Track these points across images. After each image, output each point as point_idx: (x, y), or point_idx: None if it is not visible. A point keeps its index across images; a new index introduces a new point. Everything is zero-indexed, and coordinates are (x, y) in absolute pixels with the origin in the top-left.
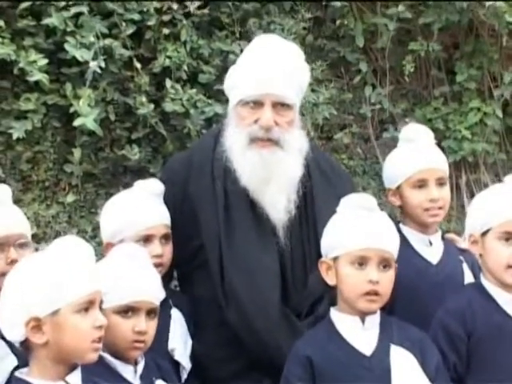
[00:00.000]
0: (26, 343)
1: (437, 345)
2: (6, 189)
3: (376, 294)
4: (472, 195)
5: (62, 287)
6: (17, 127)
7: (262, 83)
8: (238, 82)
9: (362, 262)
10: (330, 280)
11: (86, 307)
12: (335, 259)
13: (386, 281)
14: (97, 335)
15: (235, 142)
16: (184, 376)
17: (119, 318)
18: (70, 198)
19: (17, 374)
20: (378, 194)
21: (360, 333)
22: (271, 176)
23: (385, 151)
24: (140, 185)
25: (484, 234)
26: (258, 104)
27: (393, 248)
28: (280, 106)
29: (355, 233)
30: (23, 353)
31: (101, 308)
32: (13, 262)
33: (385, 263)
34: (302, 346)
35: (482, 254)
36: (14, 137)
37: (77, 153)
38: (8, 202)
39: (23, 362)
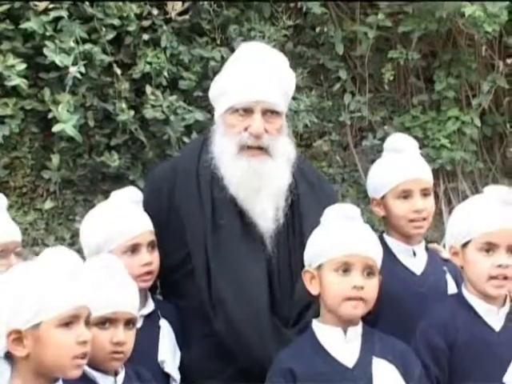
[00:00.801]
0: (9, 354)
1: (419, 357)
2: (2, 197)
3: (360, 299)
4: (450, 203)
5: (43, 300)
6: None
7: (253, 90)
8: (226, 90)
9: (346, 268)
10: (314, 289)
11: (69, 321)
12: (319, 268)
13: (371, 287)
14: (80, 351)
15: (224, 150)
16: None
17: (97, 330)
18: (48, 205)
19: None
20: (357, 202)
21: (342, 344)
22: (261, 185)
23: (363, 159)
24: (118, 194)
25: (464, 245)
26: (247, 111)
27: (376, 256)
28: (269, 113)
29: (339, 240)
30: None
31: (88, 323)
32: None
33: (369, 270)
34: (284, 358)
35: (462, 266)
36: None
37: (55, 159)
38: (4, 211)
39: None
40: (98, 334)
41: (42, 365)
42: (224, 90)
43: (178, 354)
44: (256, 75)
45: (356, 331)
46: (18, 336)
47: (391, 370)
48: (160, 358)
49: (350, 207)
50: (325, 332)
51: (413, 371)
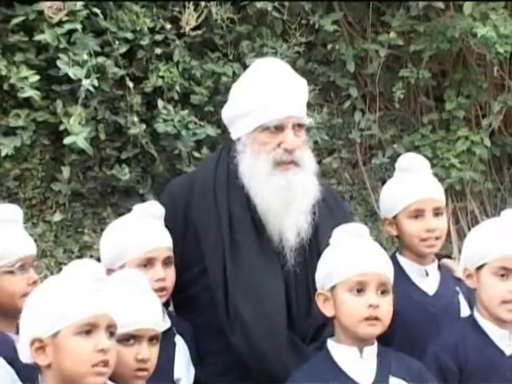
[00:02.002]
0: (36, 365)
1: None
2: (19, 210)
3: (376, 318)
4: (457, 223)
5: (62, 308)
6: (5, 143)
7: (284, 107)
8: (253, 109)
9: (360, 287)
10: (328, 312)
11: (88, 330)
12: (332, 289)
13: (386, 306)
14: (99, 359)
15: (257, 167)
16: None
17: (121, 347)
18: (57, 217)
19: None
20: (365, 220)
21: (358, 364)
22: (295, 197)
23: (372, 177)
24: (139, 208)
25: (479, 268)
26: (278, 128)
27: (389, 273)
28: (297, 127)
29: (352, 259)
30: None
31: (113, 334)
32: (35, 282)
33: (383, 288)
34: (298, 378)
35: (476, 288)
36: (3, 153)
37: (65, 171)
38: (21, 224)
39: None
40: (122, 350)
41: (63, 373)
42: (250, 109)
43: (193, 371)
44: (284, 91)
45: (372, 350)
46: (40, 345)
47: None
48: (176, 375)
49: (357, 226)
50: (340, 351)
51: None
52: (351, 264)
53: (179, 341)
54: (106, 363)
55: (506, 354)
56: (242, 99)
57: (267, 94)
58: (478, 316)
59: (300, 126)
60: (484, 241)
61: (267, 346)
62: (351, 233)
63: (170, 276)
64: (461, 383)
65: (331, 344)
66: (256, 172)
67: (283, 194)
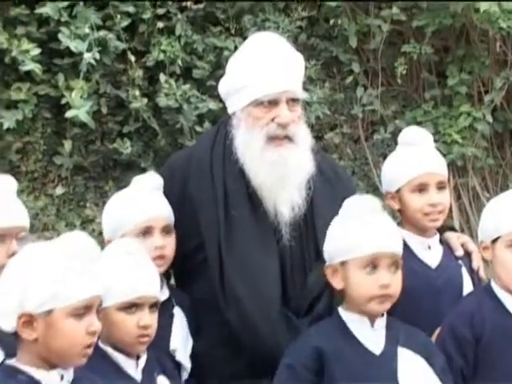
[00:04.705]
0: (16, 333)
1: (444, 348)
2: (12, 181)
3: (386, 296)
4: (459, 198)
5: (59, 287)
6: (7, 117)
7: (278, 82)
8: (247, 83)
9: (374, 265)
10: (337, 284)
11: (83, 312)
12: (343, 263)
13: (397, 282)
14: (89, 341)
15: (251, 143)
16: (184, 376)
17: (124, 315)
18: (59, 191)
19: (7, 362)
20: None
21: (369, 332)
22: (289, 173)
23: (374, 152)
24: (138, 179)
25: (494, 241)
26: (272, 102)
27: (401, 248)
28: (291, 101)
29: (366, 236)
30: (11, 346)
31: (98, 312)
32: (14, 254)
33: (395, 265)
34: (312, 337)
35: (492, 261)
36: (5, 127)
37: (67, 145)
38: (12, 194)
39: (10, 355)
40: (125, 318)
41: (50, 351)
42: (244, 84)
43: (190, 342)
44: (278, 65)
45: (382, 321)
46: (28, 319)
47: (417, 360)
48: (172, 346)
49: (370, 199)
50: (352, 319)
51: (435, 362)
52: (365, 242)
53: (178, 312)
54: (91, 345)
55: None
56: (236, 73)
57: (261, 69)
58: (494, 286)
59: (295, 100)
60: (498, 214)
61: (261, 322)
62: (364, 207)
63: (169, 244)
64: (476, 352)
65: (342, 312)
66: (250, 147)
67: (276, 169)
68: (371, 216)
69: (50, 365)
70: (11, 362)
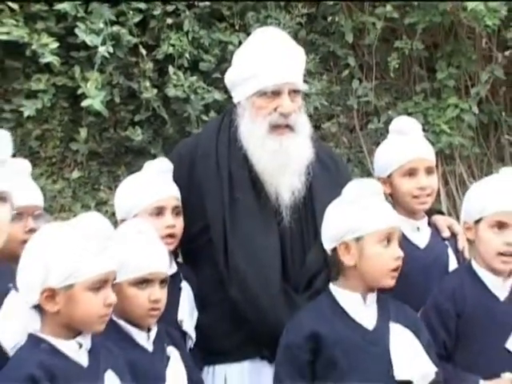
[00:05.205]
0: (38, 306)
1: (429, 322)
2: (27, 163)
3: (397, 269)
4: (447, 184)
5: (80, 264)
6: (27, 106)
7: (281, 73)
8: (252, 74)
9: (388, 239)
10: (349, 261)
11: (99, 286)
12: (358, 239)
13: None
14: (106, 311)
15: (254, 131)
16: (190, 345)
17: (136, 290)
18: (75, 175)
19: (31, 332)
20: None
21: (361, 309)
22: (290, 160)
23: (368, 141)
24: (149, 164)
25: (477, 221)
26: (275, 93)
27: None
28: (293, 92)
29: (380, 213)
30: None
31: (113, 285)
32: (31, 230)
33: (399, 240)
34: (306, 320)
35: (474, 240)
36: (25, 115)
37: (83, 132)
38: (28, 177)
39: None
40: (137, 293)
41: (71, 321)
42: (249, 75)
43: (196, 314)
44: (281, 58)
45: (373, 297)
46: (51, 294)
47: (407, 335)
48: (179, 317)
49: (374, 182)
50: (344, 296)
51: (422, 337)
52: (382, 218)
53: (185, 286)
54: (109, 315)
55: (500, 299)
56: (242, 65)
57: (265, 61)
58: (475, 265)
59: (296, 91)
60: (482, 196)
61: (262, 297)
62: (371, 190)
63: (178, 224)
64: (458, 326)
65: (334, 289)
66: (253, 134)
67: (277, 157)
68: (378, 197)
69: (72, 333)
70: (35, 332)
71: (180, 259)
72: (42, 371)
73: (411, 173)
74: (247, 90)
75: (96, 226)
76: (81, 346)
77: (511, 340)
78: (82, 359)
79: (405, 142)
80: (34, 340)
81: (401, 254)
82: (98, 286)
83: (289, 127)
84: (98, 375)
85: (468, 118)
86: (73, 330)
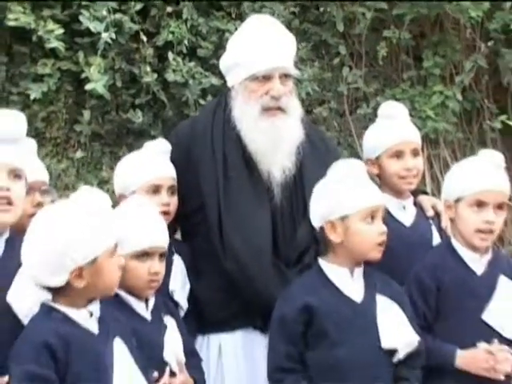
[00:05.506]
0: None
1: (410, 295)
2: (33, 142)
3: (383, 243)
4: (431, 168)
5: (99, 238)
6: (34, 89)
7: (272, 59)
8: (244, 60)
9: (372, 216)
10: (336, 238)
11: (114, 251)
12: (343, 218)
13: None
14: (120, 274)
15: (247, 113)
16: (181, 314)
17: (136, 262)
18: (79, 155)
19: (44, 302)
20: None
21: (349, 282)
22: (281, 140)
23: (357, 125)
24: (149, 145)
25: (457, 200)
26: (266, 77)
27: None
28: (284, 76)
29: (364, 193)
30: None
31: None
32: (38, 204)
33: (383, 215)
34: (299, 293)
35: (454, 218)
36: (32, 97)
37: (86, 114)
38: (34, 154)
39: None
40: (137, 265)
41: (96, 291)
42: (242, 60)
43: (188, 286)
44: (272, 44)
45: (360, 271)
46: (79, 272)
47: (393, 307)
48: (171, 287)
49: (358, 162)
50: (333, 270)
51: (406, 309)
52: (365, 197)
53: (177, 259)
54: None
55: (477, 273)
56: (235, 51)
57: (257, 47)
58: (454, 242)
59: (287, 76)
60: (462, 177)
61: (254, 269)
62: (357, 170)
63: (173, 203)
64: (438, 299)
65: (323, 263)
66: (246, 116)
67: (269, 137)
68: (361, 176)
69: (87, 303)
70: (47, 302)
71: (178, 236)
72: (57, 339)
73: (398, 155)
74: (240, 74)
75: (101, 201)
76: (91, 314)
77: (487, 312)
78: (93, 327)
79: (392, 126)
80: (47, 309)
81: (385, 229)
82: (113, 252)
83: (280, 109)
84: (107, 342)
85: (452, 105)
86: (90, 300)
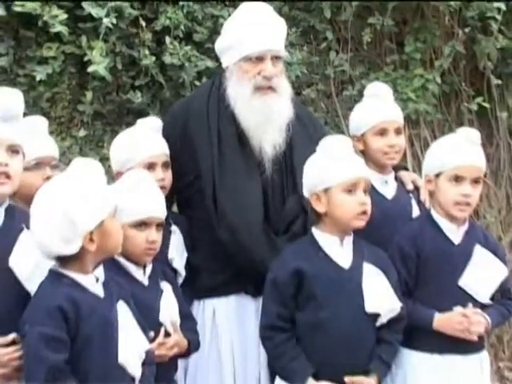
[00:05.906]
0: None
1: (392, 262)
2: (44, 120)
3: (364, 213)
4: (412, 146)
5: (103, 202)
6: (39, 71)
7: (265, 41)
8: (238, 42)
9: (353, 188)
10: (321, 209)
11: (114, 214)
12: (326, 190)
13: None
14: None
15: (240, 92)
16: (179, 281)
17: (135, 231)
18: (82, 133)
19: (52, 268)
20: None
21: (339, 250)
22: (272, 117)
23: (343, 106)
24: (142, 122)
25: (437, 175)
26: (258, 59)
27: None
28: (275, 58)
29: (346, 165)
30: None
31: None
32: (48, 178)
33: (367, 188)
34: (291, 258)
35: (434, 191)
36: (37, 79)
37: (89, 95)
38: (45, 131)
39: None
40: (135, 234)
41: (105, 251)
42: (236, 42)
43: (185, 254)
44: (264, 28)
45: (349, 239)
46: (91, 236)
47: (378, 274)
48: (170, 255)
49: (344, 138)
50: (324, 238)
51: (391, 277)
52: (346, 170)
53: (175, 229)
54: None
55: (454, 243)
56: (229, 34)
57: (250, 30)
58: (434, 213)
59: (278, 58)
60: (442, 153)
61: (246, 238)
62: (342, 144)
63: (167, 177)
64: (418, 267)
65: (316, 232)
66: (239, 95)
67: (261, 114)
68: (346, 150)
69: (95, 266)
70: (56, 269)
71: (175, 209)
72: (68, 303)
73: (382, 132)
74: (234, 55)
75: (100, 170)
76: (97, 280)
77: (463, 279)
78: (99, 291)
79: (377, 105)
80: (56, 275)
81: (365, 199)
82: (113, 214)
83: (271, 89)
84: (112, 305)
85: (432, 88)
86: (98, 264)
